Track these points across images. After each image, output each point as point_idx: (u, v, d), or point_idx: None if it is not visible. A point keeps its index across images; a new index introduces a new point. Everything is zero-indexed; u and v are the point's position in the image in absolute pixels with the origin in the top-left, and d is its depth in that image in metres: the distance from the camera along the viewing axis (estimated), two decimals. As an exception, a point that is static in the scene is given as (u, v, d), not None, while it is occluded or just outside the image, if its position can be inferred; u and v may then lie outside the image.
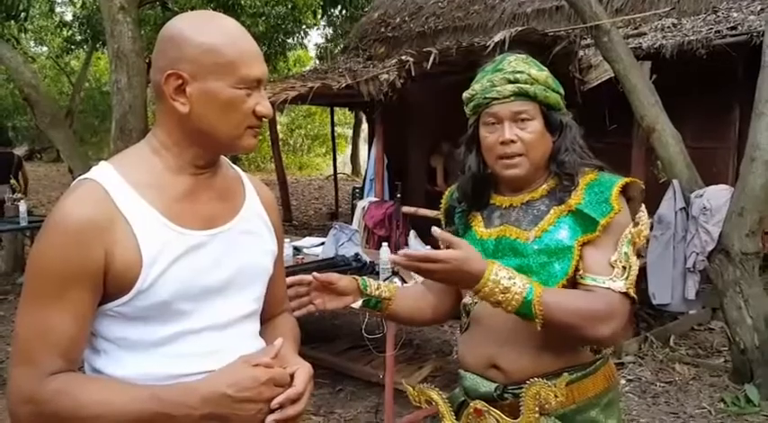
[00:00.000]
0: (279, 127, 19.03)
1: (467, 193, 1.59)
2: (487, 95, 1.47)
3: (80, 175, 1.22)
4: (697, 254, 4.40)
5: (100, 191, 1.15)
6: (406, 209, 5.27)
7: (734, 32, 5.59)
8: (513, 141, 1.45)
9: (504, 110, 1.45)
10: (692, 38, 5.64)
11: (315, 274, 1.53)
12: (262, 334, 1.36)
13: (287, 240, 4.38)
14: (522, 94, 1.45)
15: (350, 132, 21.07)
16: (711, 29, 5.75)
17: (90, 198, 1.14)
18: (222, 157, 1.34)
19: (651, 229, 4.77)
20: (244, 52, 1.17)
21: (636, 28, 6.37)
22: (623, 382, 4.33)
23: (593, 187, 1.47)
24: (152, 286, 1.14)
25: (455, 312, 1.64)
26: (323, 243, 4.69)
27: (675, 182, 4.53)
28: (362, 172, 17.36)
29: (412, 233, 4.07)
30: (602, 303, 1.38)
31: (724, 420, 3.85)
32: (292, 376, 1.20)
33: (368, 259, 4.07)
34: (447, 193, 1.72)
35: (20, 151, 18.41)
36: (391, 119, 6.63)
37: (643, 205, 1.53)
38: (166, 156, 1.21)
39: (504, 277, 1.33)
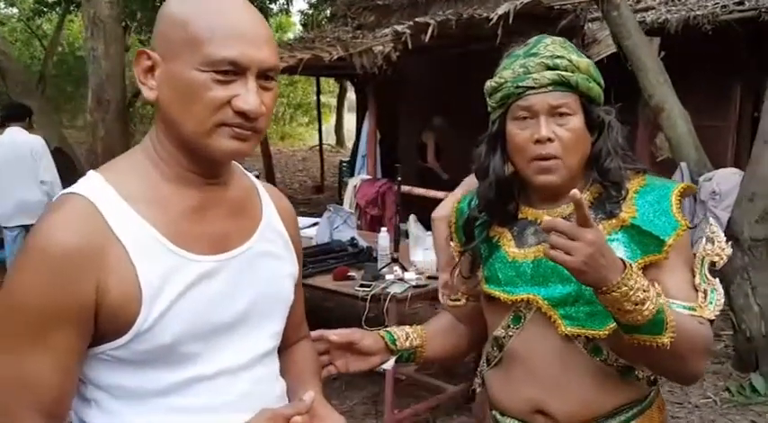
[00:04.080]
0: (260, 96, 18.50)
1: (491, 201, 1.33)
2: (521, 84, 1.21)
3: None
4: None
5: (89, 208, 0.92)
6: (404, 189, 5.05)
7: (741, 8, 5.39)
8: (549, 140, 1.20)
9: (541, 101, 1.21)
10: (697, 13, 5.43)
11: (333, 335, 1.31)
12: (280, 369, 1.16)
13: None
14: (562, 84, 1.21)
15: (334, 102, 20.65)
16: (717, 3, 5.55)
17: (77, 218, 0.91)
18: (234, 163, 1.12)
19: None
20: (219, 27, 0.92)
21: (638, 1, 6.13)
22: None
23: (645, 196, 1.25)
24: (155, 326, 0.93)
25: None
26: (315, 224, 4.47)
27: (683, 164, 4.36)
28: (347, 143, 17.01)
29: (412, 217, 3.85)
30: (706, 334, 1.18)
31: (729, 410, 3.76)
32: None
33: (365, 244, 3.87)
34: (456, 204, 1.47)
35: (-8, 120, 17.80)
36: (382, 92, 6.38)
37: (712, 219, 1.34)
38: (160, 162, 0.99)
39: (641, 276, 1.07)
